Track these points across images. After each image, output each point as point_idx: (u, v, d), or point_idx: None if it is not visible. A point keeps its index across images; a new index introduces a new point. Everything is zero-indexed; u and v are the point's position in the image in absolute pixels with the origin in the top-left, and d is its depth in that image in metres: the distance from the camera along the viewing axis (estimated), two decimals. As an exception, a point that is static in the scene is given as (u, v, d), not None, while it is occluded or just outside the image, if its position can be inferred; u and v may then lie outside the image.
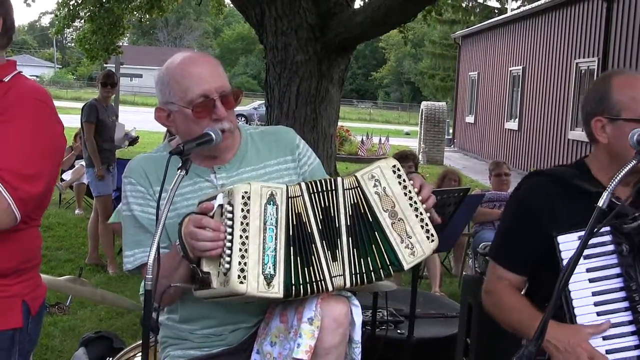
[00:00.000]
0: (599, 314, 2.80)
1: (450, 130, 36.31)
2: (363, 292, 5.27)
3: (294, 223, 2.62)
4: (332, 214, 2.67)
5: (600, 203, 2.50)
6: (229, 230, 2.54)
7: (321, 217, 2.65)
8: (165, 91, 2.94)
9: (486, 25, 31.92)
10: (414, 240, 2.69)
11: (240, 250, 2.52)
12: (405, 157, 9.14)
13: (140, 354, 4.09)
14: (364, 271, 2.66)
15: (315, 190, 2.67)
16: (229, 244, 2.53)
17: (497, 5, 43.73)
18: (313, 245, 2.62)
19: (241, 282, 2.50)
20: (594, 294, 2.82)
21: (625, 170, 2.58)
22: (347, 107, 72.30)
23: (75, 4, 19.26)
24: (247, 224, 2.54)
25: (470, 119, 33.22)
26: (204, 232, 2.55)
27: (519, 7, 36.62)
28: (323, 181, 2.70)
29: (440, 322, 5.69)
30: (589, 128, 3.04)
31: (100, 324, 7.27)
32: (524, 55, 26.28)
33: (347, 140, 28.04)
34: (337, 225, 2.67)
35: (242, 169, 3.01)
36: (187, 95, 2.85)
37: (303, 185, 2.66)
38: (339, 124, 29.36)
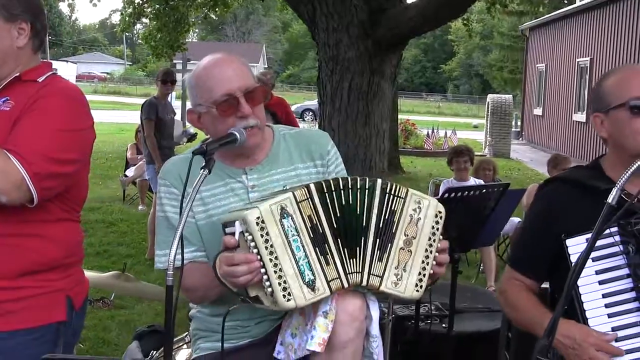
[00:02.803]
0: (610, 315, 2.81)
1: (519, 123, 35.93)
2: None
3: (309, 225, 2.66)
4: (359, 212, 2.71)
5: (610, 199, 2.49)
6: (258, 257, 2.59)
7: (339, 214, 2.69)
8: (193, 94, 3.03)
9: (553, 16, 31.47)
10: (405, 275, 2.72)
11: (275, 272, 2.58)
12: (460, 152, 9.13)
13: (184, 346, 4.24)
14: (380, 274, 2.72)
15: (333, 188, 2.70)
16: (263, 270, 2.59)
17: (567, -5, 42.95)
18: (326, 245, 2.67)
19: (288, 300, 2.58)
20: (604, 295, 2.83)
21: (635, 166, 2.59)
22: (416, 100, 71.93)
23: (141, 1, 19.55)
24: (272, 246, 2.59)
25: (538, 111, 32.83)
26: (238, 268, 2.61)
27: (587, -3, 36.06)
28: (354, 179, 2.73)
29: (487, 316, 5.68)
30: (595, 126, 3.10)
31: (157, 318, 7.36)
32: (591, 46, 25.86)
33: (412, 134, 27.94)
34: (363, 224, 2.71)
35: (273, 170, 3.08)
36: (212, 96, 2.92)
37: (312, 186, 2.70)
38: (405, 117, 29.23)
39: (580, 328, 2.80)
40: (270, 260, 2.58)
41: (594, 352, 2.76)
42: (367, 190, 2.73)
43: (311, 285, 2.60)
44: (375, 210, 2.71)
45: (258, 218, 2.58)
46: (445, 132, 28.26)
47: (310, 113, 43.68)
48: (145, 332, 5.56)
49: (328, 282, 2.63)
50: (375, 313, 2.81)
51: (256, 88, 2.98)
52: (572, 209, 3.02)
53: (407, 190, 2.76)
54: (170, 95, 10.19)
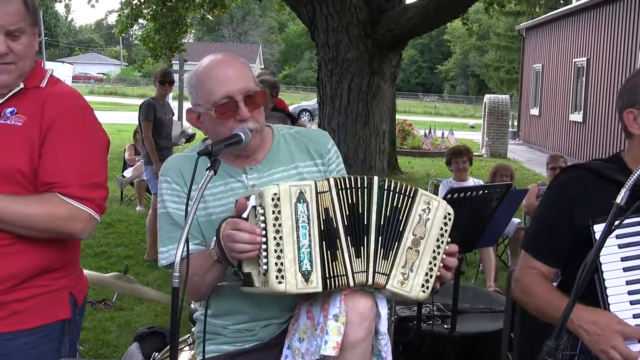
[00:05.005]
0: (632, 302, 2.81)
1: (515, 123, 35.95)
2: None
3: (323, 218, 2.65)
4: (360, 211, 2.70)
5: (619, 199, 2.48)
6: (263, 232, 2.59)
7: (347, 213, 2.68)
8: (193, 93, 3.01)
9: (550, 16, 31.48)
10: (412, 275, 2.71)
11: (276, 251, 2.57)
12: (459, 153, 9.14)
13: (186, 348, 4.22)
14: (387, 272, 2.70)
15: (344, 187, 2.69)
16: (264, 246, 2.58)
17: (563, -5, 42.94)
18: (337, 241, 2.65)
19: (280, 282, 2.57)
20: (628, 282, 2.83)
21: None
22: (412, 100, 71.99)
23: (138, 3, 19.52)
24: (280, 225, 2.59)
25: (534, 111, 32.85)
26: (241, 234, 2.60)
27: (584, -2, 36.08)
28: (354, 178, 2.72)
29: (489, 317, 5.67)
30: (623, 121, 3.09)
31: (156, 319, 7.38)
32: (588, 47, 25.87)
33: (410, 134, 27.94)
34: (365, 223, 2.70)
35: (273, 169, 3.07)
36: (212, 97, 2.90)
37: (332, 180, 2.69)
38: (403, 117, 29.19)
39: (603, 314, 2.80)
40: (274, 238, 2.58)
41: (619, 339, 2.75)
42: (365, 189, 2.72)
43: (306, 276, 2.59)
44: (374, 208, 2.70)
45: (275, 194, 2.59)
46: (443, 133, 28.27)
47: (307, 113, 43.67)
48: (145, 334, 5.54)
49: (326, 278, 2.61)
50: (383, 310, 2.79)
51: (257, 92, 2.96)
52: (590, 196, 3.02)
53: (417, 190, 2.75)
54: (168, 95, 10.17)
